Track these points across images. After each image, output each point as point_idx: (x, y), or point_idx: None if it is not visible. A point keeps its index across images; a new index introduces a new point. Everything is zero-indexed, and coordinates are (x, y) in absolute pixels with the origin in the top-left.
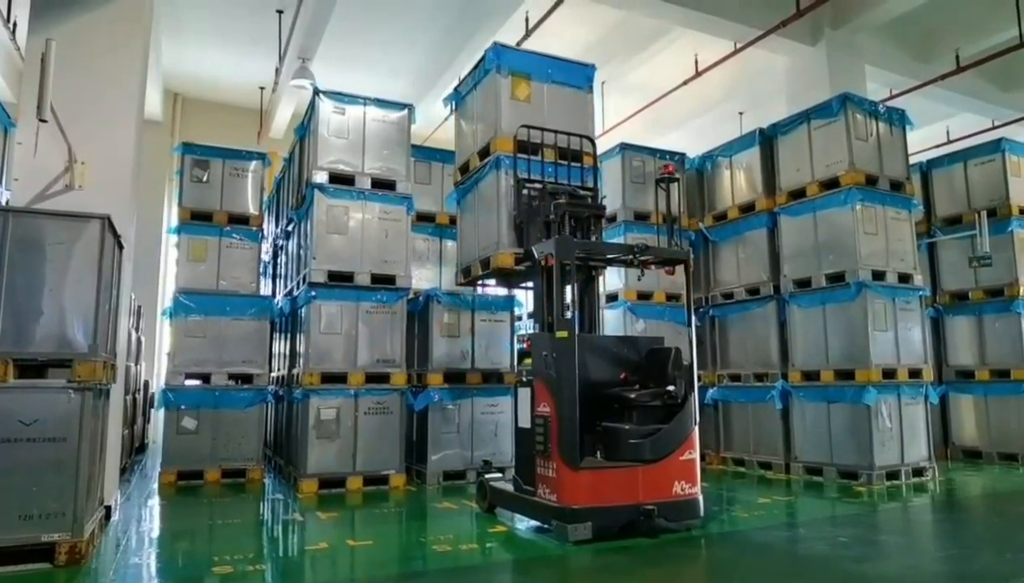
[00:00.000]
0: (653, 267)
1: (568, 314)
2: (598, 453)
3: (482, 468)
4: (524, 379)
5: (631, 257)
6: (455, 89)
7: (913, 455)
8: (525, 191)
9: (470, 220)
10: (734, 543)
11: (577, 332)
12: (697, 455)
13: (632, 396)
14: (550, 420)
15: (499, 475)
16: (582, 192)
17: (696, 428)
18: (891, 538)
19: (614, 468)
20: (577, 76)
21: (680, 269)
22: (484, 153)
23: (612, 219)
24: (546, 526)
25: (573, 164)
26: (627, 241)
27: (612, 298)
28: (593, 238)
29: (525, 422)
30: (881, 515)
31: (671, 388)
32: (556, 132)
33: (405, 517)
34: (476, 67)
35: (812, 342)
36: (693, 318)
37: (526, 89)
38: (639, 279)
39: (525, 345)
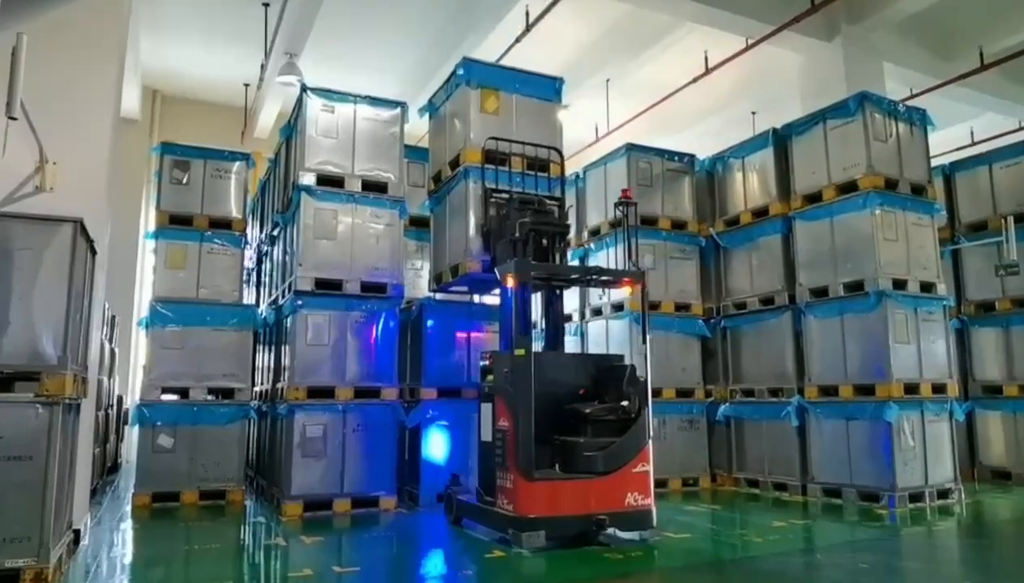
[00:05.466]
0: (609, 287)
1: (528, 332)
2: (556, 466)
3: (450, 482)
4: (486, 394)
5: (589, 278)
6: (429, 100)
7: (938, 476)
8: (493, 200)
9: (442, 228)
10: (747, 570)
11: (544, 348)
12: (651, 467)
13: (587, 411)
14: (508, 434)
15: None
16: (549, 202)
17: (650, 441)
18: (914, 565)
19: (568, 479)
20: (546, 88)
21: (689, 275)
22: (454, 164)
23: (617, 224)
24: (505, 536)
25: (540, 174)
26: (632, 246)
27: (618, 308)
28: (557, 255)
29: (487, 436)
30: (904, 540)
31: (625, 403)
32: (524, 143)
33: (396, 542)
34: (448, 80)
35: (829, 355)
36: (648, 335)
37: (495, 102)
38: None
39: (487, 362)
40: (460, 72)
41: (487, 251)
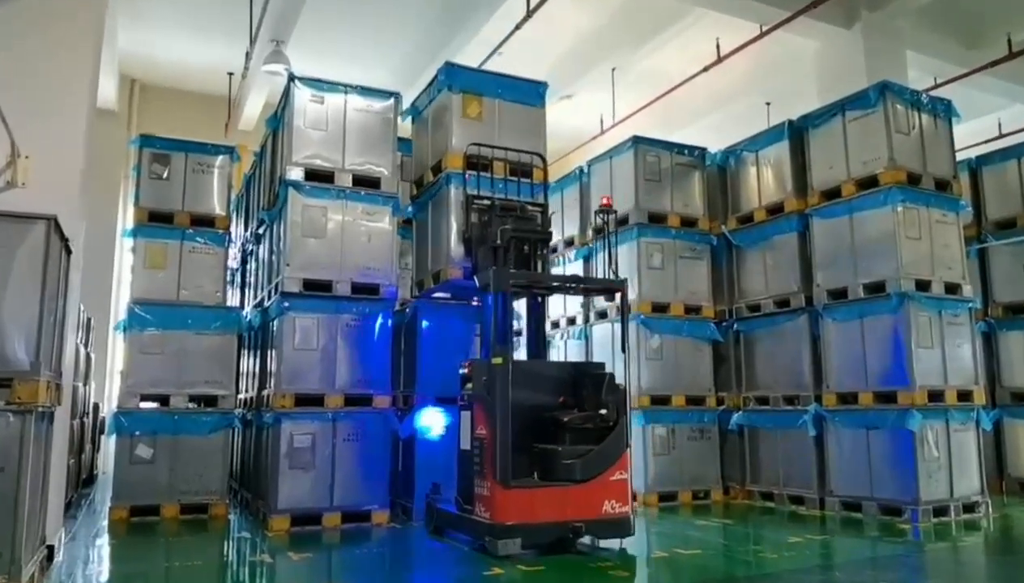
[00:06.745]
0: (592, 295)
1: (507, 340)
2: (535, 474)
3: (431, 491)
4: (465, 403)
5: (569, 286)
6: (412, 104)
7: (963, 488)
8: (475, 206)
9: (424, 234)
10: None
11: (527, 355)
12: (629, 475)
13: (565, 419)
14: (486, 441)
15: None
16: (531, 209)
17: (628, 449)
18: None
19: (545, 486)
20: (529, 93)
21: (700, 275)
22: (437, 169)
23: (624, 222)
24: (483, 543)
25: (524, 180)
26: (640, 245)
27: None
28: (540, 262)
29: (466, 444)
30: (928, 557)
31: (603, 411)
32: (506, 149)
33: (388, 559)
34: (431, 84)
35: (849, 360)
36: (628, 345)
37: (477, 107)
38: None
39: (466, 370)
40: (442, 77)
41: (469, 257)
